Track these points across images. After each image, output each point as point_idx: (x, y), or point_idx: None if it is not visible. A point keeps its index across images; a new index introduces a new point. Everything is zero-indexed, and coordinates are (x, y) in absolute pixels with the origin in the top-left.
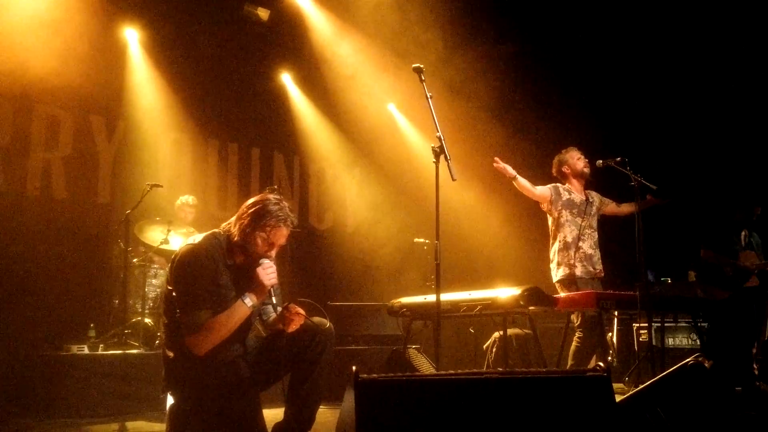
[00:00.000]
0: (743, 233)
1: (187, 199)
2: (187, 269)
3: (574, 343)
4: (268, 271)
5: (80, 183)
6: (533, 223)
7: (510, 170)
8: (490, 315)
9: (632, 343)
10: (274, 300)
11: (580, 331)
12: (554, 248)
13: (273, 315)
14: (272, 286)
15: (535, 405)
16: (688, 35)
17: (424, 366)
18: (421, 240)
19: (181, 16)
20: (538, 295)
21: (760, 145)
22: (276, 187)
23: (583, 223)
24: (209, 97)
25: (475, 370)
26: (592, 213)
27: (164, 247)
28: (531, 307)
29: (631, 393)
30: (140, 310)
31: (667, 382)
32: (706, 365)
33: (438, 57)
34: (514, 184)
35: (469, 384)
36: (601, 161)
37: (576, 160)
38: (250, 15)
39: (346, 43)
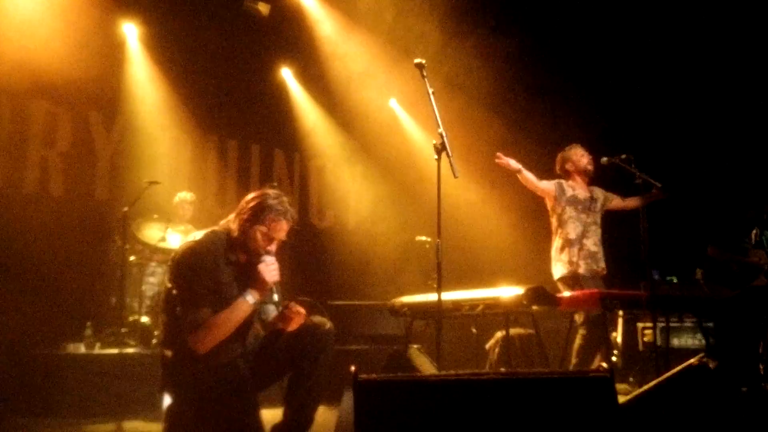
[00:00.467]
0: (754, 232)
1: (186, 195)
2: (188, 267)
3: (576, 343)
4: (270, 268)
5: (78, 180)
6: (536, 220)
7: (514, 164)
8: (493, 314)
9: (637, 342)
10: (275, 297)
11: (583, 330)
12: (556, 245)
13: (273, 313)
14: (274, 283)
15: (537, 406)
16: (696, 25)
17: (426, 366)
18: (423, 238)
19: (180, 11)
20: (542, 294)
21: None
22: (275, 184)
23: (587, 220)
24: (209, 93)
25: (475, 371)
26: (597, 209)
27: (162, 245)
28: (534, 307)
29: (634, 394)
30: (137, 308)
31: (672, 383)
32: (711, 366)
33: (439, 52)
34: (519, 177)
35: (470, 385)
36: (605, 159)
37: (580, 156)
38: (251, 10)
39: (347, 39)
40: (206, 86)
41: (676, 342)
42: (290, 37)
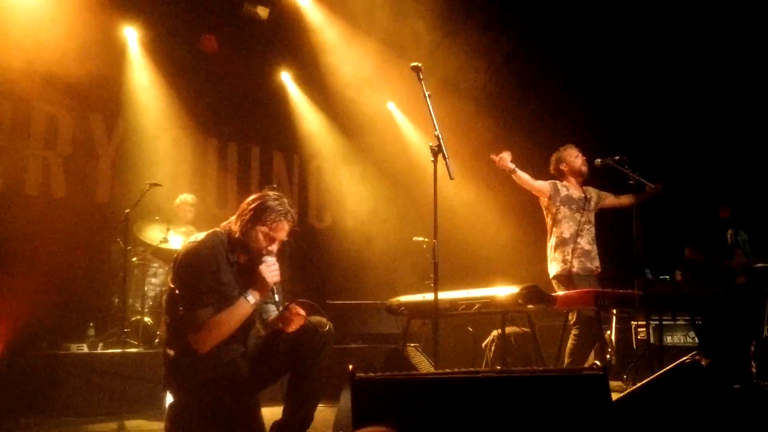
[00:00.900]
0: (729, 232)
1: (186, 197)
2: (190, 267)
3: (570, 341)
4: (271, 269)
5: (79, 182)
6: (531, 220)
7: (508, 164)
8: (489, 313)
9: (630, 340)
10: (276, 298)
11: (576, 329)
12: (551, 244)
13: (274, 313)
14: (275, 284)
15: (532, 404)
16: (683, 24)
17: (423, 364)
18: (420, 238)
19: (180, 15)
20: (537, 293)
21: (742, 142)
22: (275, 185)
23: (581, 219)
24: (209, 95)
25: (471, 369)
26: (591, 209)
27: (163, 246)
28: (529, 306)
29: (627, 391)
30: (140, 309)
31: (664, 381)
32: (703, 363)
33: (435, 54)
34: (513, 177)
35: (466, 383)
36: (599, 160)
37: (574, 158)
38: (250, 13)
39: (345, 42)
40: (206, 89)
41: (669, 340)
42: (289, 41)
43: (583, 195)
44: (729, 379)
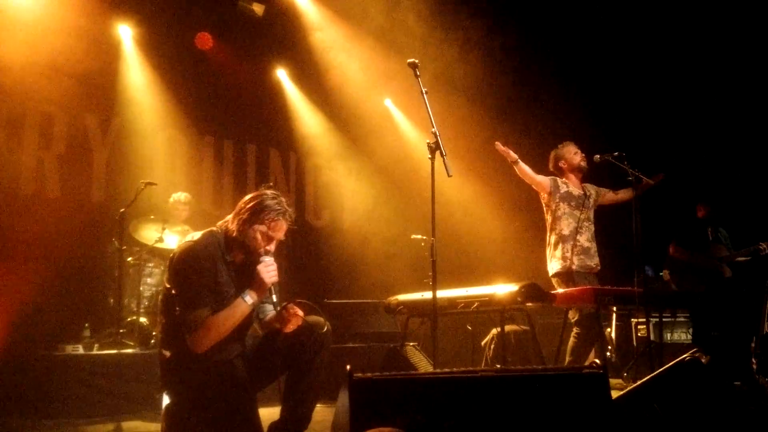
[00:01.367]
0: (709, 230)
1: (180, 196)
2: (186, 267)
3: (571, 339)
4: (269, 269)
5: (74, 181)
6: (530, 218)
7: (512, 154)
8: (488, 312)
9: (631, 338)
10: (274, 298)
11: (577, 327)
12: (551, 242)
13: (272, 313)
14: (272, 284)
15: (532, 403)
16: (676, 20)
17: (422, 363)
18: (419, 236)
19: (174, 12)
20: (536, 291)
21: (718, 143)
22: (272, 183)
23: (581, 216)
24: (204, 93)
25: (470, 368)
26: (590, 206)
27: (159, 245)
28: (528, 304)
29: (628, 389)
30: (135, 309)
31: (665, 378)
32: (703, 361)
33: (432, 50)
34: (515, 168)
35: (464, 382)
36: (598, 156)
37: (573, 154)
38: (245, 10)
39: (341, 38)
40: (202, 87)
41: (669, 337)
42: (285, 38)
43: (582, 192)
44: (729, 376)
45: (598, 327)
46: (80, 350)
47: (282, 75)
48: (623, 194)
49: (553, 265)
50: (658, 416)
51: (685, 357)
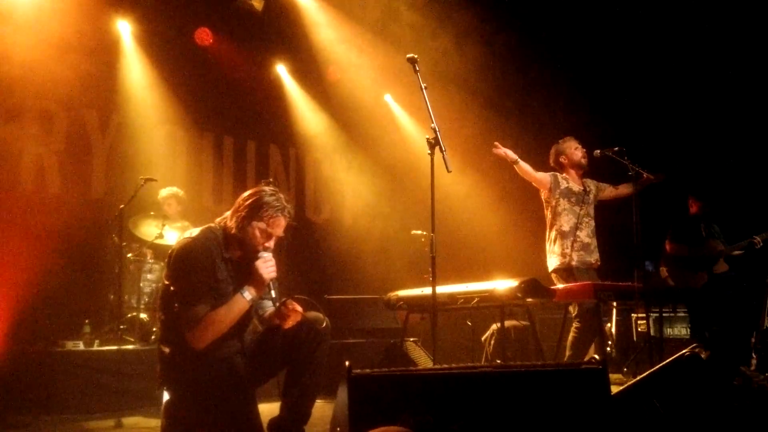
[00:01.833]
0: (701, 225)
1: (170, 190)
2: (185, 263)
3: (571, 334)
4: (267, 265)
5: (74, 178)
6: (530, 213)
7: (511, 154)
8: (488, 307)
9: (631, 333)
10: (273, 294)
11: (577, 322)
12: (551, 237)
13: (271, 309)
14: (271, 280)
15: (531, 398)
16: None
17: (422, 359)
18: (419, 232)
19: (174, 8)
20: (536, 286)
21: (709, 137)
22: (271, 180)
23: (581, 212)
24: (203, 89)
25: (468, 364)
26: (590, 201)
27: (159, 241)
28: (528, 299)
29: (627, 385)
30: (135, 305)
31: (664, 374)
32: (703, 356)
33: (431, 44)
34: (516, 168)
35: (463, 378)
36: (598, 151)
37: (573, 150)
38: (245, 6)
39: (341, 34)
40: (201, 83)
41: (669, 332)
42: (285, 33)
43: (582, 188)
44: (729, 372)
45: (598, 322)
46: (80, 346)
47: (282, 70)
48: (623, 189)
49: (553, 261)
50: (657, 412)
51: (685, 352)
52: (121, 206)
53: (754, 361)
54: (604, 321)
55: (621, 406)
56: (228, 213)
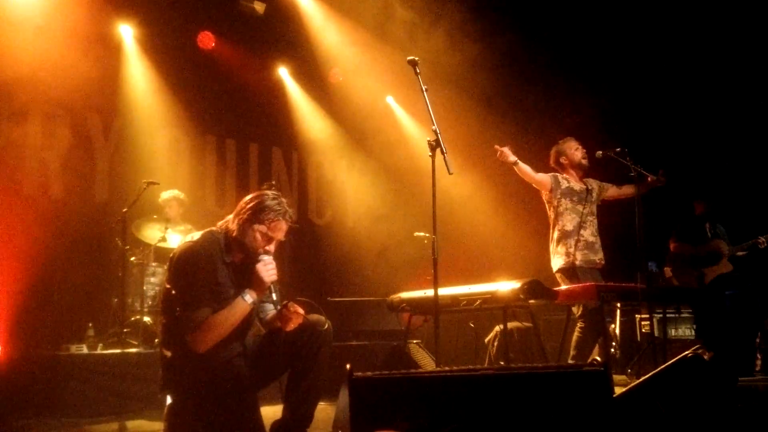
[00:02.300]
0: (707, 225)
1: (171, 193)
2: (186, 267)
3: (575, 335)
4: (268, 268)
5: (77, 181)
6: (533, 214)
7: (510, 157)
8: (491, 309)
9: (635, 334)
10: (274, 297)
11: (581, 323)
12: (554, 237)
13: (272, 312)
14: (272, 283)
15: (532, 401)
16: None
17: (426, 361)
18: (421, 234)
19: (176, 11)
20: (539, 288)
21: (714, 138)
22: (273, 183)
23: (584, 211)
24: (206, 92)
25: (470, 366)
26: (593, 200)
27: (162, 245)
28: (531, 300)
29: (629, 387)
30: (139, 308)
31: (666, 375)
32: (706, 357)
33: (433, 46)
34: (515, 169)
35: (464, 381)
36: (600, 152)
37: (574, 150)
38: (246, 9)
39: (343, 36)
40: (204, 86)
41: (673, 333)
42: (287, 36)
43: (584, 187)
44: (733, 373)
45: (601, 323)
46: (84, 350)
47: (284, 73)
48: (626, 190)
49: (557, 261)
50: (660, 414)
51: (688, 353)
52: (124, 210)
53: (758, 362)
54: (608, 322)
55: (623, 408)
56: (230, 216)
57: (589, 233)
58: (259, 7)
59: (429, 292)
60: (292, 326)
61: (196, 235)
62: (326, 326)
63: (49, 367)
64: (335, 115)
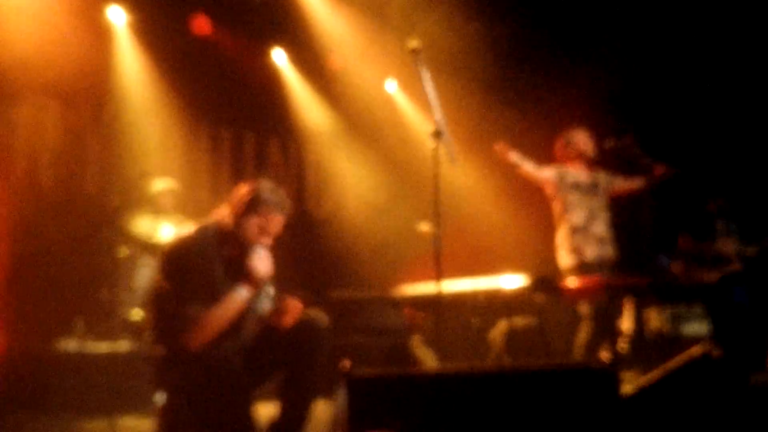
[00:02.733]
0: (719, 223)
1: (165, 183)
2: (179, 262)
3: (583, 332)
4: (264, 261)
5: (67, 172)
6: (539, 206)
7: (511, 157)
8: (495, 304)
9: (643, 330)
10: (270, 291)
11: (588, 319)
12: (561, 233)
13: (268, 307)
14: (268, 276)
15: (538, 399)
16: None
17: (428, 357)
18: (424, 227)
19: None
20: (545, 283)
21: (730, 134)
22: (270, 174)
23: (592, 204)
24: (200, 80)
25: (471, 364)
26: (601, 192)
27: (154, 236)
28: (537, 297)
29: (637, 384)
30: (129, 302)
31: (675, 373)
32: (716, 355)
33: (436, 33)
34: (517, 171)
35: (466, 379)
36: (609, 142)
37: (582, 140)
38: None
39: (342, 21)
40: (198, 73)
41: (683, 329)
42: (283, 20)
43: (591, 179)
44: (744, 371)
45: (610, 320)
46: (73, 345)
47: (281, 61)
48: (637, 182)
49: (565, 257)
50: (668, 413)
51: (696, 351)
52: (116, 201)
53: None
54: (617, 318)
55: (631, 406)
56: (224, 208)
57: (599, 227)
58: None
59: (431, 287)
60: (289, 321)
61: (190, 228)
62: (324, 321)
63: (37, 362)
64: (335, 103)
